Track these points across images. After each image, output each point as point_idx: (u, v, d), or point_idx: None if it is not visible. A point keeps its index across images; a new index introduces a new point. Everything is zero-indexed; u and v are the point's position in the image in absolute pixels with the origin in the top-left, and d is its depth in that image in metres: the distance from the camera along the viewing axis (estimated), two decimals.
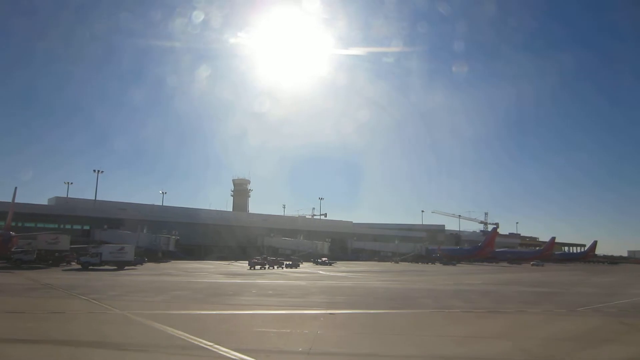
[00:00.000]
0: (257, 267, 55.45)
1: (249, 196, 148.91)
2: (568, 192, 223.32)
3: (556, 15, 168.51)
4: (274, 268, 57.38)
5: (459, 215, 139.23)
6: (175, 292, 24.97)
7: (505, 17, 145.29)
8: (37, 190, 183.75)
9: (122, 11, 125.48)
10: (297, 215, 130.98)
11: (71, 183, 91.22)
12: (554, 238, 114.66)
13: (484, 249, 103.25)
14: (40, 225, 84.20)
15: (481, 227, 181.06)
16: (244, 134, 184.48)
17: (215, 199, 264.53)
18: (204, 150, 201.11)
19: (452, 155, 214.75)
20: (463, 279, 43.04)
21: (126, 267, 46.97)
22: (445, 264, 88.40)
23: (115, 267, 46.27)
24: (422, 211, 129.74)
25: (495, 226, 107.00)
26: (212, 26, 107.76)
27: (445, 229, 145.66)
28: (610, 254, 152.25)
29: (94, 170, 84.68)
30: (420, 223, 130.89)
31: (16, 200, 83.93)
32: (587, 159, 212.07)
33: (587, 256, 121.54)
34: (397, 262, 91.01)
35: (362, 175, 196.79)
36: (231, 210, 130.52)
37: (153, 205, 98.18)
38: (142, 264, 56.40)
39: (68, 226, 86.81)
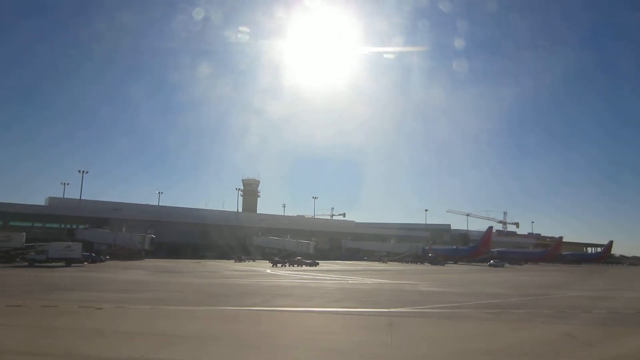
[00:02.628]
0: (279, 265, 62.76)
1: (259, 196, 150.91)
2: (592, 193, 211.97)
3: (558, 13, 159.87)
4: (293, 266, 62.23)
5: (468, 214, 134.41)
6: (25, 286, 25.42)
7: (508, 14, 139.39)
8: (42, 191, 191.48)
9: (125, 8, 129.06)
10: (295, 215, 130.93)
11: (68, 184, 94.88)
12: (561, 238, 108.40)
13: (479, 248, 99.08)
14: (37, 224, 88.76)
15: (500, 226, 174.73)
16: (246, 133, 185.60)
17: (220, 199, 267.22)
18: (206, 150, 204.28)
19: (466, 154, 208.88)
20: (397, 279, 41.26)
21: (73, 264, 48.58)
22: (433, 264, 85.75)
23: (63, 264, 48.01)
24: (426, 210, 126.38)
25: (492, 225, 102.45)
26: (214, 24, 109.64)
27: (453, 228, 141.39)
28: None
29: (79, 171, 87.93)
30: (425, 222, 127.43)
31: (14, 202, 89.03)
32: (613, 157, 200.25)
33: (603, 257, 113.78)
34: (385, 262, 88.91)
35: (371, 174, 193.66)
36: (239, 210, 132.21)
37: (147, 204, 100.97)
38: (103, 261, 58.15)
39: (63, 225, 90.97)
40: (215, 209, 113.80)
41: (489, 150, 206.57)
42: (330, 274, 45.35)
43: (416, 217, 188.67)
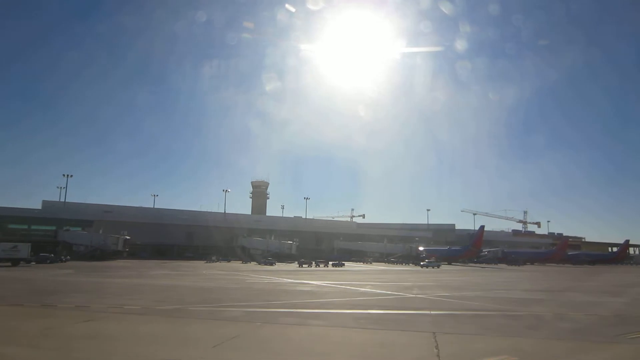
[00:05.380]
0: (305, 265, 65.69)
1: (268, 198, 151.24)
2: (618, 192, 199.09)
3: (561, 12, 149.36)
4: (319, 266, 65.28)
5: (474, 213, 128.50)
6: None
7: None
8: (41, 193, 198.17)
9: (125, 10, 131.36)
10: (292, 217, 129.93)
11: (63, 187, 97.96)
12: (567, 238, 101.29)
13: (470, 249, 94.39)
14: (34, 227, 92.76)
15: (519, 226, 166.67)
16: (253, 137, 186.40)
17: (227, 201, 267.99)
18: (206, 151, 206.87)
19: (482, 154, 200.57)
20: (316, 279, 39.48)
21: (21, 264, 50.07)
22: (417, 264, 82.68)
23: (10, 264, 49.57)
24: (428, 210, 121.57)
25: (483, 225, 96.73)
26: (216, 25, 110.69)
27: (463, 228, 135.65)
28: None
29: (63, 175, 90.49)
30: (427, 222, 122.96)
31: (11, 205, 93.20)
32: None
33: (619, 257, 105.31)
34: (370, 263, 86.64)
35: (380, 175, 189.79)
36: (242, 212, 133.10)
37: (140, 207, 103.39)
38: (63, 261, 59.67)
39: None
40: (213, 211, 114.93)
41: (507, 149, 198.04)
42: (259, 274, 44.22)
43: (427, 218, 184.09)
